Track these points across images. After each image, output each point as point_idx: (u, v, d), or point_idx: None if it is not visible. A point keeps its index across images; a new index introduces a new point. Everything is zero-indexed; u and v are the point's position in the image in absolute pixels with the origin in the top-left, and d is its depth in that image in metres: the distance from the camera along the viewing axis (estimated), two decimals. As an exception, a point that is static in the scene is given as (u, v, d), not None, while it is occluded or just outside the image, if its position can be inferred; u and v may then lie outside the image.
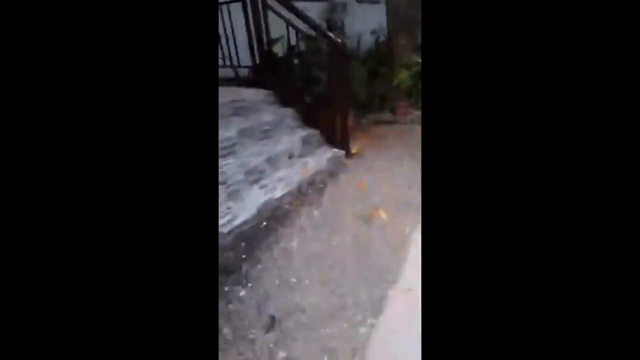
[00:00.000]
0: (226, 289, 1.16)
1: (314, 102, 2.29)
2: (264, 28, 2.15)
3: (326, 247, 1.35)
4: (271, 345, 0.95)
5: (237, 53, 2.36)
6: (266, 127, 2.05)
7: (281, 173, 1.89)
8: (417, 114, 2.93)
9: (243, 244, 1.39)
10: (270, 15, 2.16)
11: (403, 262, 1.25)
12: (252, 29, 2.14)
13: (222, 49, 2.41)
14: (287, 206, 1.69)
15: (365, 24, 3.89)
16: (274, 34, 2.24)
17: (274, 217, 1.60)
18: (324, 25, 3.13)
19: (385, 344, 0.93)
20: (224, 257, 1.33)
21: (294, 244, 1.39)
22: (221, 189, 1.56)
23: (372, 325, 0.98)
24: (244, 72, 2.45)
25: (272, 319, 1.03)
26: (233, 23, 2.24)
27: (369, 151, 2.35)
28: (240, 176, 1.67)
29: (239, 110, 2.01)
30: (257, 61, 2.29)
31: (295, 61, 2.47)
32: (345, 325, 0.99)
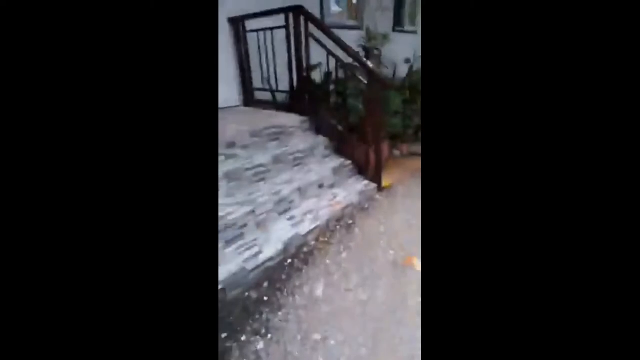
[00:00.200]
0: (243, 338, 1.07)
1: (348, 130, 2.22)
2: (304, 54, 2.14)
3: (355, 301, 1.23)
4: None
5: (276, 77, 2.37)
6: (298, 155, 2.00)
7: (310, 204, 1.81)
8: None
9: (266, 284, 1.31)
10: (311, 42, 2.16)
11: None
12: (293, 54, 2.15)
13: (262, 72, 2.43)
14: (313, 242, 1.59)
15: (402, 52, 3.85)
16: (313, 61, 2.23)
17: (300, 254, 1.50)
18: (362, 54, 3.12)
19: None
20: (245, 296, 1.25)
21: (319, 291, 1.27)
22: (250, 218, 1.50)
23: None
24: (281, 97, 2.45)
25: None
26: (275, 48, 2.26)
27: (401, 186, 2.23)
28: (270, 205, 1.61)
29: (274, 136, 1.98)
30: (295, 86, 2.28)
31: (332, 88, 2.45)
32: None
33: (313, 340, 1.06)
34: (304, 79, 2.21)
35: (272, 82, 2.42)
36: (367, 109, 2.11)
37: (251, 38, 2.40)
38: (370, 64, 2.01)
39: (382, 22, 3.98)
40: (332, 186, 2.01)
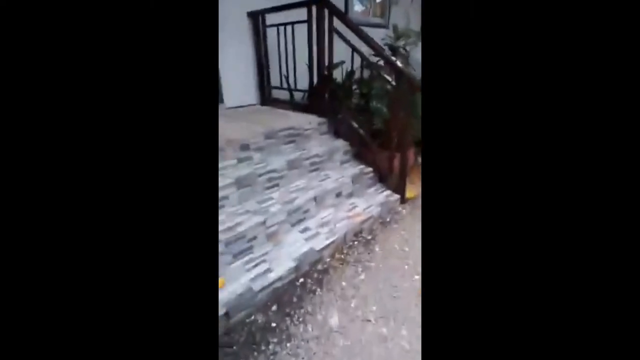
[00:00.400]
0: (246, 372, 0.94)
1: (370, 135, 2.05)
2: (326, 51, 1.99)
3: (374, 334, 1.07)
4: None
5: (295, 75, 2.23)
6: (315, 159, 1.86)
7: (326, 215, 1.66)
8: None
9: (274, 308, 1.17)
10: (334, 39, 1.99)
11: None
12: (315, 50, 1.99)
13: (280, 69, 2.30)
14: (328, 259, 1.44)
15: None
16: (335, 59, 2.07)
17: (313, 273, 1.36)
18: (388, 52, 2.92)
19: None
20: (251, 319, 1.12)
21: (334, 320, 1.13)
22: (260, 229, 1.38)
23: None
24: (299, 96, 2.31)
25: None
26: (295, 43, 2.11)
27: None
28: (282, 216, 1.47)
29: (290, 138, 1.84)
30: (315, 85, 2.13)
31: (354, 88, 2.28)
32: None
33: (325, 384, 0.92)
34: (325, 77, 2.05)
35: (291, 80, 2.28)
36: (392, 112, 1.93)
37: (270, 33, 2.27)
38: (399, 63, 1.83)
39: (414, 19, 3.74)
40: (350, 195, 1.85)
